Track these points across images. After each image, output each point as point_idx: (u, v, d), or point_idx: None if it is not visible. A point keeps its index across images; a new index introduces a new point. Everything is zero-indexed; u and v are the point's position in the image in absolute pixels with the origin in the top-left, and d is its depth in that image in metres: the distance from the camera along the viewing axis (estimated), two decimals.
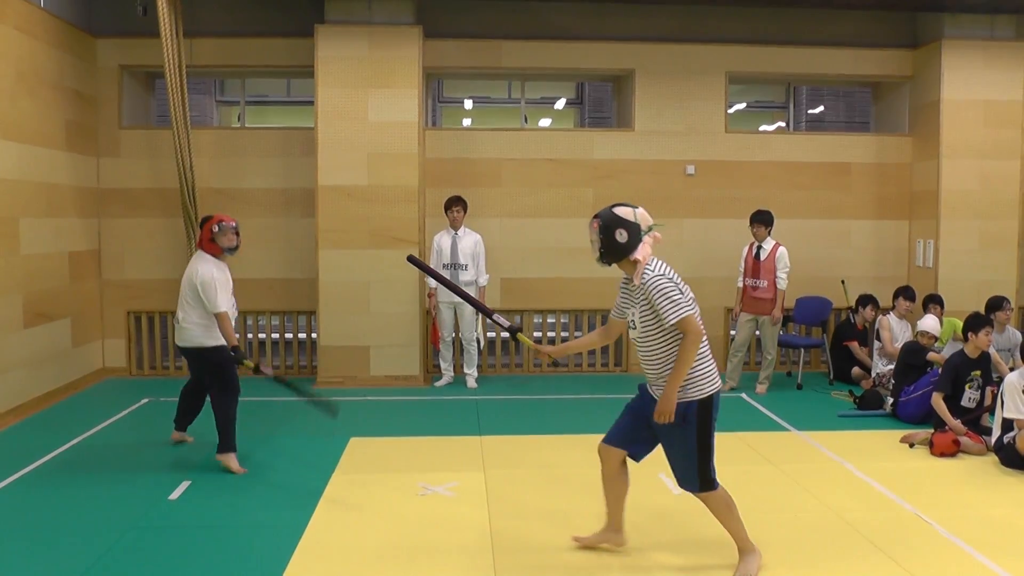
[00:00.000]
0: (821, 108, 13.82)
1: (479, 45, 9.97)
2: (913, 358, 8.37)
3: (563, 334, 10.58)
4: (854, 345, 9.80)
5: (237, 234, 6.70)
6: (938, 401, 7.51)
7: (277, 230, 9.89)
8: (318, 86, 9.35)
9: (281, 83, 12.30)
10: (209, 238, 6.62)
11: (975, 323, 7.62)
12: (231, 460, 6.62)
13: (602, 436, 5.05)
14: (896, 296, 9.38)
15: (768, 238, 9.19)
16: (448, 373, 9.72)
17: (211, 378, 6.72)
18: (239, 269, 9.21)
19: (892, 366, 9.17)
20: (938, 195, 9.86)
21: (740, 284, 9.35)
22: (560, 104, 13.17)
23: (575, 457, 6.98)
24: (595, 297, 10.21)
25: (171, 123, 9.20)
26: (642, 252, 4.56)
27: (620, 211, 4.62)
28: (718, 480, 4.74)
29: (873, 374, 9.36)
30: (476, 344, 9.58)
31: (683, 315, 4.41)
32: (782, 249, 9.13)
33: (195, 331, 6.61)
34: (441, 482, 6.29)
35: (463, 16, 9.95)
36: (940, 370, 7.88)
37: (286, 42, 9.78)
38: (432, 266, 9.03)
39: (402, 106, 9.40)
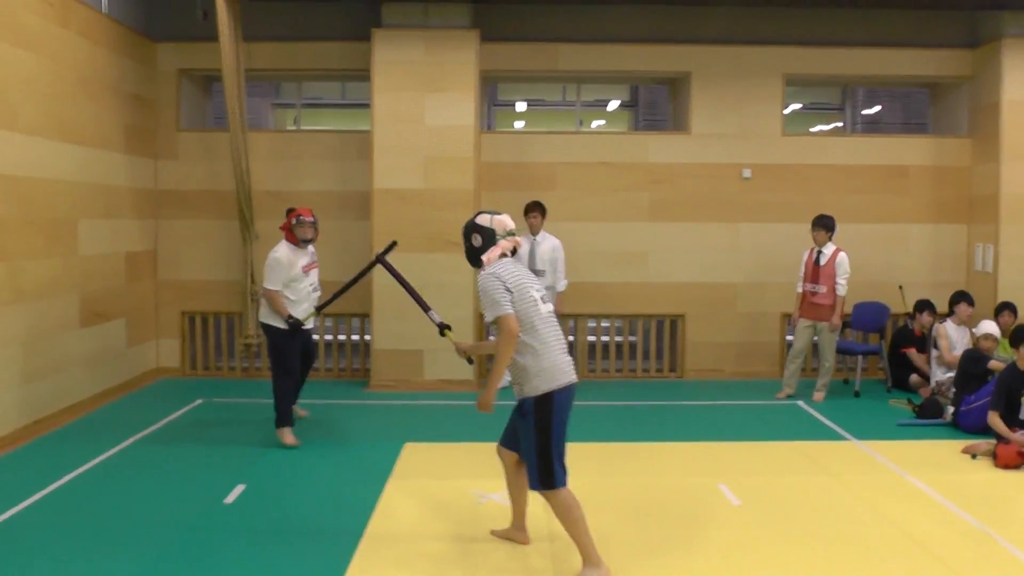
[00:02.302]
0: (878, 108, 13.66)
1: (535, 48, 9.95)
2: (973, 366, 8.24)
3: (617, 339, 10.55)
4: (912, 352, 9.68)
5: (314, 227, 7.48)
6: (994, 419, 7.39)
7: (332, 233, 9.90)
8: (374, 90, 9.38)
9: (336, 86, 12.34)
10: (289, 227, 7.40)
11: (1019, 338, 7.50)
12: (284, 434, 7.30)
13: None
14: (956, 302, 9.23)
15: (829, 243, 9.10)
16: (506, 376, 9.68)
17: (269, 354, 7.52)
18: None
19: (951, 374, 9.06)
20: (998, 199, 9.70)
21: (799, 289, 9.25)
22: (612, 106, 13.09)
23: (630, 466, 6.99)
24: (649, 302, 10.17)
25: (229, 126, 9.26)
26: (489, 255, 4.82)
27: (479, 218, 4.94)
28: (565, 483, 4.75)
29: (932, 382, 9.24)
30: None
31: (498, 313, 4.63)
32: (842, 254, 9.03)
33: (263, 308, 7.47)
34: (496, 489, 6.24)
35: (519, 19, 9.93)
36: (995, 381, 7.79)
37: (343, 46, 9.84)
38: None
39: (458, 110, 9.40)
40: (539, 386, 4.68)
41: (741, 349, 10.27)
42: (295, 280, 7.35)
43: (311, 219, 7.43)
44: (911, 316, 9.85)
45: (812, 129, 13.43)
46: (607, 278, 10.13)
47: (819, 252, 9.12)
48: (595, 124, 13.76)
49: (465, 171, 9.44)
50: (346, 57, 9.86)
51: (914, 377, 9.64)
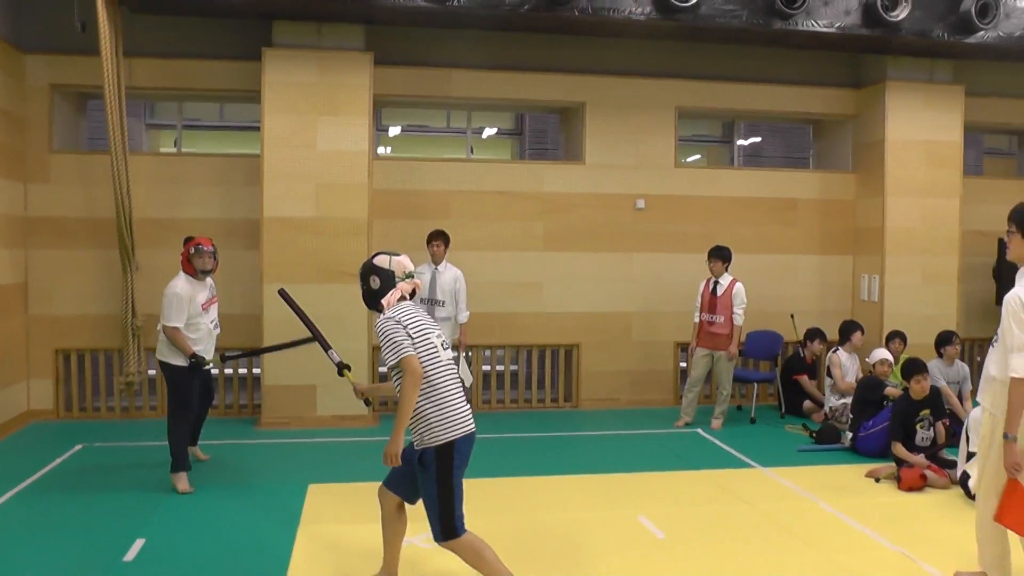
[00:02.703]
0: (757, 139, 14.04)
1: (429, 73, 9.76)
2: (870, 393, 8.45)
3: (512, 367, 10.38)
4: (803, 379, 9.88)
5: (214, 258, 7.17)
6: (897, 448, 7.58)
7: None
8: (265, 112, 9.01)
9: (214, 107, 11.84)
10: (187, 257, 7.04)
11: (909, 370, 7.74)
12: (180, 479, 6.84)
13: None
14: (851, 331, 9.48)
15: (725, 273, 9.20)
16: None
17: (167, 393, 7.12)
18: None
19: (844, 400, 9.27)
20: (883, 232, 10.05)
21: (696, 319, 9.30)
22: (487, 133, 12.95)
23: (542, 500, 6.80)
24: (544, 332, 10.06)
25: (109, 147, 8.70)
26: (388, 299, 4.72)
27: (377, 259, 4.82)
28: (463, 527, 4.62)
29: (826, 408, 9.43)
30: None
31: (400, 356, 4.48)
32: (739, 285, 9.13)
33: (161, 345, 7.01)
34: (416, 532, 5.94)
35: (412, 44, 9.71)
36: (890, 411, 8.00)
37: (231, 65, 9.39)
38: (412, 301, 8.84)
39: (352, 135, 9.12)
40: (440, 435, 4.54)
41: (636, 378, 10.26)
42: (194, 316, 6.95)
43: (210, 248, 7.08)
44: (802, 344, 10.05)
45: (689, 159, 13.66)
46: (502, 308, 9.95)
47: (716, 282, 9.20)
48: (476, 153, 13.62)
49: (359, 198, 9.15)
50: (234, 77, 9.42)
51: (807, 403, 9.82)
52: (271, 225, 9.03)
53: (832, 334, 10.09)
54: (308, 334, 5.83)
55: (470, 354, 9.93)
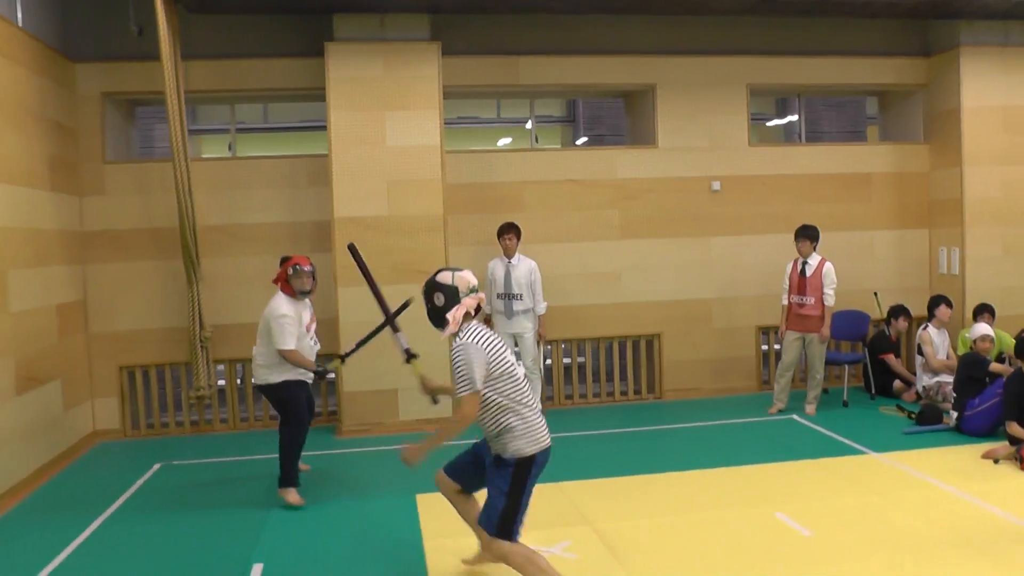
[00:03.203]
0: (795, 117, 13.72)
1: (496, 61, 9.39)
2: (975, 370, 8.20)
3: (592, 361, 10.07)
4: (891, 358, 9.63)
5: (313, 278, 6.84)
6: (1012, 427, 7.35)
7: None
8: (330, 109, 8.63)
9: (257, 109, 11.41)
10: (285, 278, 6.72)
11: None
12: (291, 494, 6.63)
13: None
14: (936, 305, 9.25)
15: (814, 253, 8.92)
16: None
17: (278, 413, 6.89)
18: (245, 312, 8.67)
19: (937, 379, 9.05)
20: (962, 203, 9.79)
21: (785, 302, 9.03)
22: (529, 124, 12.64)
23: (671, 500, 6.54)
24: (622, 323, 9.77)
25: (172, 154, 8.31)
26: (454, 314, 4.71)
27: (440, 276, 4.81)
28: (519, 534, 4.69)
29: (919, 387, 9.20)
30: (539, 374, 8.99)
31: (469, 391, 4.54)
32: (828, 264, 8.85)
33: (260, 370, 6.73)
34: (551, 541, 5.66)
35: (478, 31, 9.35)
36: (1003, 389, 7.78)
37: (291, 62, 9.01)
38: (486, 296, 8.58)
39: (422, 128, 8.76)
40: (523, 448, 4.62)
41: (717, 366, 9.99)
42: (300, 337, 6.68)
43: (309, 268, 6.78)
44: (886, 322, 9.80)
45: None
46: (580, 300, 9.65)
47: (804, 263, 8.92)
48: (502, 142, 13.23)
49: (432, 194, 8.80)
50: (295, 75, 9.02)
51: (897, 383, 9.58)
52: (343, 225, 8.66)
53: (913, 310, 9.86)
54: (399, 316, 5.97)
55: (550, 348, 9.64)
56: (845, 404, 9.35)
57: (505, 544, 4.61)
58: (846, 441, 7.99)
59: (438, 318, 4.75)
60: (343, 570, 5.43)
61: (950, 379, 8.92)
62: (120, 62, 8.78)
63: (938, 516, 6.03)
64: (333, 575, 5.37)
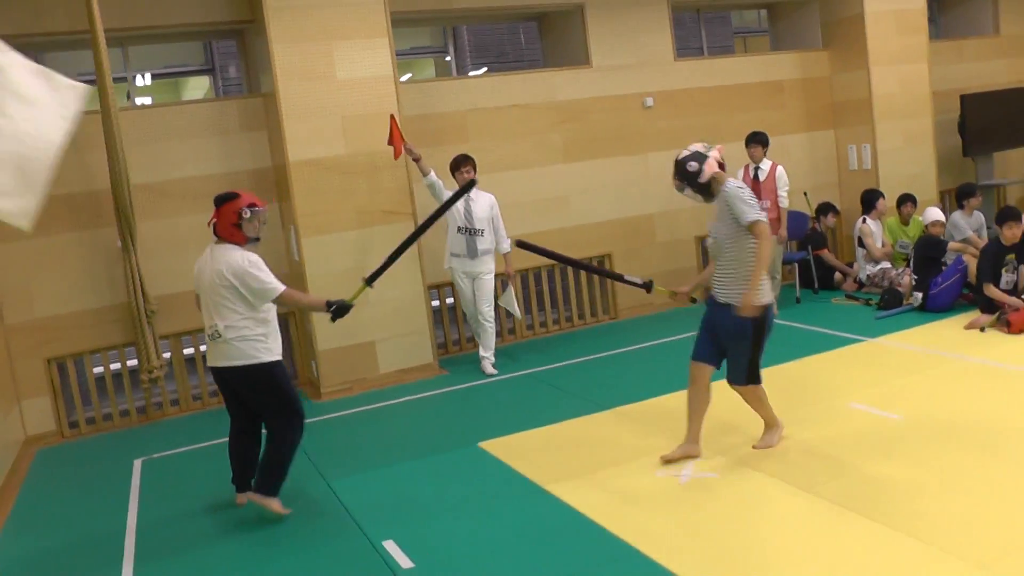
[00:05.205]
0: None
1: None
2: (934, 251, 8.79)
3: (545, 287, 9.81)
4: (826, 253, 10.12)
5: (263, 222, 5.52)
6: (991, 290, 7.91)
7: None
8: (272, 42, 7.71)
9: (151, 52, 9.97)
10: (235, 223, 5.29)
11: (1004, 217, 8.10)
12: (274, 503, 5.40)
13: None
14: (876, 199, 9.76)
15: (764, 158, 9.14)
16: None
17: (268, 399, 5.40)
18: (185, 280, 6.79)
19: (881, 266, 9.59)
20: (871, 102, 10.37)
21: None
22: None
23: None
24: (574, 247, 9.51)
25: (100, 102, 7.18)
26: (708, 166, 5.18)
27: (681, 154, 5.30)
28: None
29: (862, 276, 9.71)
30: (493, 322, 8.53)
31: (756, 217, 5.05)
32: (780, 168, 9.09)
33: (245, 344, 5.26)
34: (678, 467, 5.43)
35: None
36: (961, 259, 8.41)
37: None
38: (447, 232, 8.15)
39: (374, 58, 8.08)
40: (764, 295, 5.12)
41: (666, 279, 9.93)
42: None
43: (264, 207, 5.44)
44: (816, 219, 10.27)
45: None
46: (532, 227, 9.23)
47: (756, 168, 9.12)
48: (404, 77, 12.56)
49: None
50: (220, 7, 8.04)
51: (837, 275, 10.08)
52: (299, 170, 7.86)
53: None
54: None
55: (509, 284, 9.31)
56: (798, 301, 9.71)
57: (749, 387, 5.37)
58: (836, 333, 8.25)
59: (695, 181, 5.20)
60: (485, 528, 4.97)
61: (889, 265, 9.52)
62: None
63: (987, 385, 6.39)
64: (479, 539, 4.90)
